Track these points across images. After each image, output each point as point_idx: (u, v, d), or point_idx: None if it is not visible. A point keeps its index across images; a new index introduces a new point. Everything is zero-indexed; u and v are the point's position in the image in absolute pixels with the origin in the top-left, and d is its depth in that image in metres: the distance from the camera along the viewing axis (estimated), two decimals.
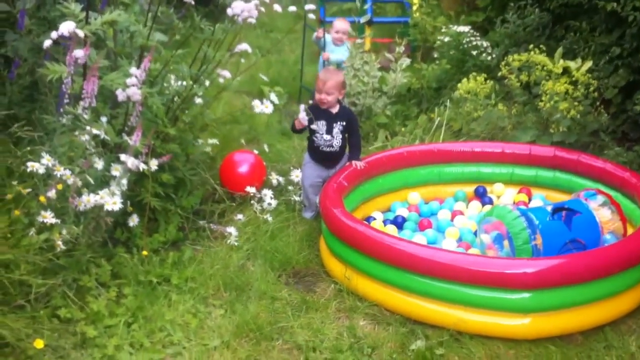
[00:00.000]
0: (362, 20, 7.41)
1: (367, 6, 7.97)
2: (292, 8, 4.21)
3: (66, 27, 3.34)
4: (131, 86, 3.54)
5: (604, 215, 3.75)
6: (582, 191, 3.97)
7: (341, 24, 6.20)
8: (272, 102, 4.23)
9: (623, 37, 5.02)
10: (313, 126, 4.29)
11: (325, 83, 4.25)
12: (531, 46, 5.41)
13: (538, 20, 6.11)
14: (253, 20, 3.93)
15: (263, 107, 4.17)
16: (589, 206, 3.74)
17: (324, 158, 4.41)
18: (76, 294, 3.37)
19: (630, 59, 4.91)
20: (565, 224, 3.63)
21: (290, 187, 4.71)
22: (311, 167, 4.45)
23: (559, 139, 4.87)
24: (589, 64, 5.05)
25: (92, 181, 3.45)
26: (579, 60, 5.11)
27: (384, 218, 4.43)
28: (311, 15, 4.28)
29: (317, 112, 4.34)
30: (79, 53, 3.43)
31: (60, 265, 3.35)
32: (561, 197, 4.42)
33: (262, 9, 3.94)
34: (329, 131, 4.33)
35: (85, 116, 3.49)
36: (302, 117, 4.27)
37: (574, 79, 4.99)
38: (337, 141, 4.35)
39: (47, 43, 3.47)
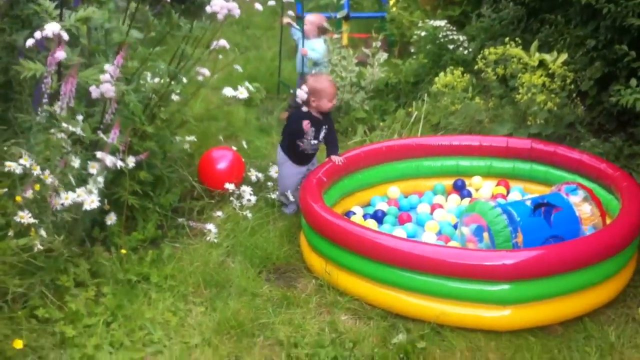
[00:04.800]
0: (339, 15, 7.42)
1: (343, 1, 7.96)
2: (271, 2, 4.20)
3: (51, 29, 3.28)
4: (104, 82, 3.50)
5: (584, 211, 3.74)
6: (563, 185, 3.96)
7: (308, 16, 6.18)
8: (247, 88, 4.20)
9: (598, 30, 5.05)
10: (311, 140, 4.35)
11: (334, 92, 4.32)
12: (507, 39, 5.43)
13: (513, 14, 6.15)
14: (221, 17, 3.89)
15: (238, 94, 4.13)
16: (569, 201, 3.74)
17: (305, 158, 4.43)
18: (54, 293, 3.34)
19: (606, 51, 4.94)
20: (545, 220, 3.62)
21: (269, 183, 4.70)
22: (290, 166, 4.43)
23: (535, 131, 4.89)
24: (564, 56, 5.07)
25: (72, 180, 3.41)
26: (555, 53, 5.14)
27: (363, 212, 4.43)
28: (290, 12, 4.26)
29: (310, 119, 4.32)
30: (60, 54, 3.37)
31: (38, 265, 3.30)
32: (539, 189, 4.45)
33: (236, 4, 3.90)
34: (317, 136, 4.34)
35: (63, 113, 3.44)
36: (302, 95, 4.26)
37: (550, 71, 5.01)
38: (320, 143, 4.39)
39: (30, 42, 3.41)
